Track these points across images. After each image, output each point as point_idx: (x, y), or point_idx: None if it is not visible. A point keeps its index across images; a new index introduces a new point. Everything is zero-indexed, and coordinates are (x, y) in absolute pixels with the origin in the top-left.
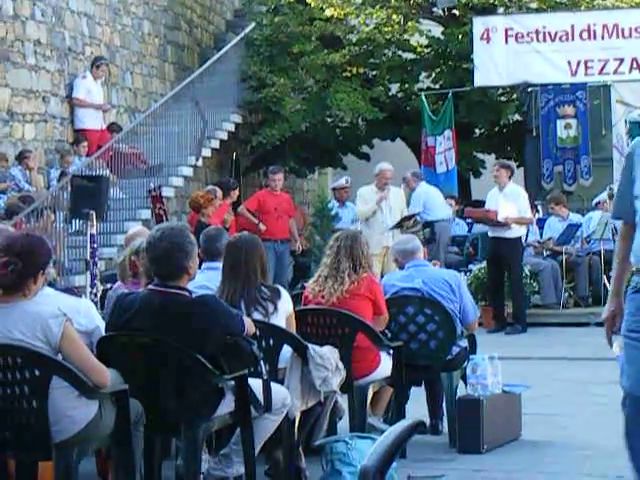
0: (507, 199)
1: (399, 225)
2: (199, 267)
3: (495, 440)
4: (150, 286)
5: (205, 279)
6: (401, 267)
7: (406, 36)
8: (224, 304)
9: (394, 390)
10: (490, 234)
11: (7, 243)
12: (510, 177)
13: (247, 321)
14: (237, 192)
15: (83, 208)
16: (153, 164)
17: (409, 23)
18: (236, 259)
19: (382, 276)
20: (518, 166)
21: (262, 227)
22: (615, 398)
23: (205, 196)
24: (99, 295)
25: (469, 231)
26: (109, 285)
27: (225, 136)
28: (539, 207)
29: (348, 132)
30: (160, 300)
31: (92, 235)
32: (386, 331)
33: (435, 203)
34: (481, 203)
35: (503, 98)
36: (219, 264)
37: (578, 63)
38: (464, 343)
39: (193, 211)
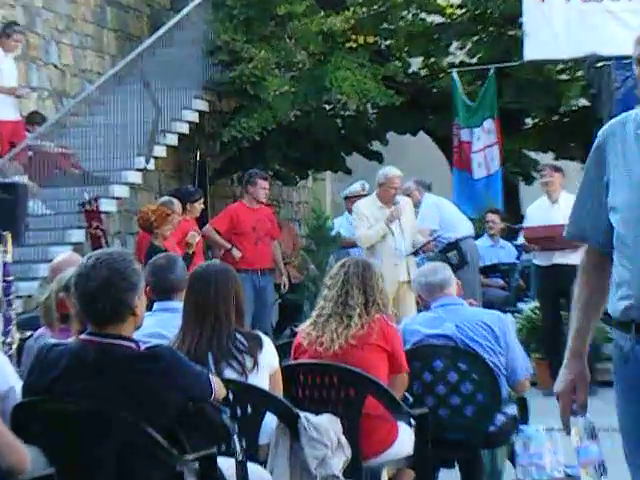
0: (565, 212)
1: (418, 251)
2: (149, 308)
3: None
4: (82, 335)
5: (157, 324)
6: (426, 307)
7: None
8: (184, 359)
9: (417, 474)
10: (540, 262)
11: None
12: (562, 185)
13: (216, 381)
14: (201, 204)
15: None
16: (88, 169)
17: None
18: (202, 297)
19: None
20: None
21: (236, 253)
22: None
23: (159, 211)
24: (15, 346)
25: (518, 257)
26: (29, 332)
27: (186, 129)
28: None
29: (353, 123)
30: (96, 354)
31: (5, 264)
32: (406, 394)
33: (452, 217)
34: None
35: (564, 76)
36: (176, 304)
37: None
38: (512, 410)
39: (143, 231)
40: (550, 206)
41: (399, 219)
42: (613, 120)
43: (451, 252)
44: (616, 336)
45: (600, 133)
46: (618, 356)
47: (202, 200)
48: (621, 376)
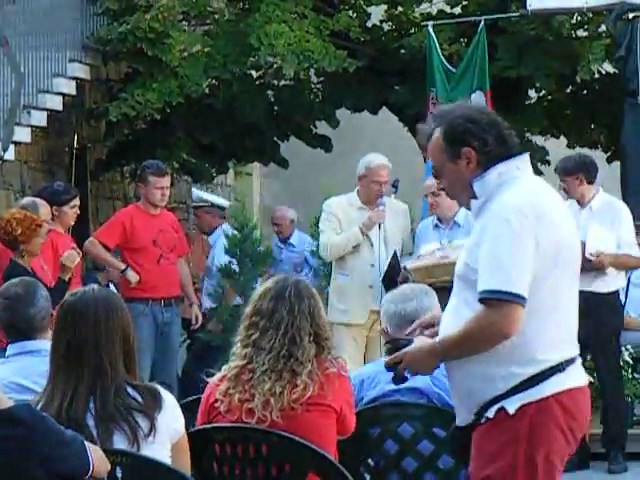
0: (596, 221)
1: (390, 280)
2: (3, 351)
3: None
4: None
5: (15, 373)
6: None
7: None
8: (50, 421)
9: None
10: None
11: None
12: (592, 182)
13: (94, 452)
14: (74, 209)
15: None
16: None
17: None
18: (77, 337)
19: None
20: (610, 158)
21: (132, 277)
22: None
23: (27, 220)
24: None
25: None
26: None
27: (58, 104)
28: None
29: (290, 97)
30: None
31: None
32: (362, 470)
33: None
34: None
35: (581, 32)
36: (43, 344)
37: None
38: None
39: (3, 246)
40: (579, 210)
41: (380, 225)
42: None
43: None
44: None
45: None
46: None
47: (76, 202)
48: None
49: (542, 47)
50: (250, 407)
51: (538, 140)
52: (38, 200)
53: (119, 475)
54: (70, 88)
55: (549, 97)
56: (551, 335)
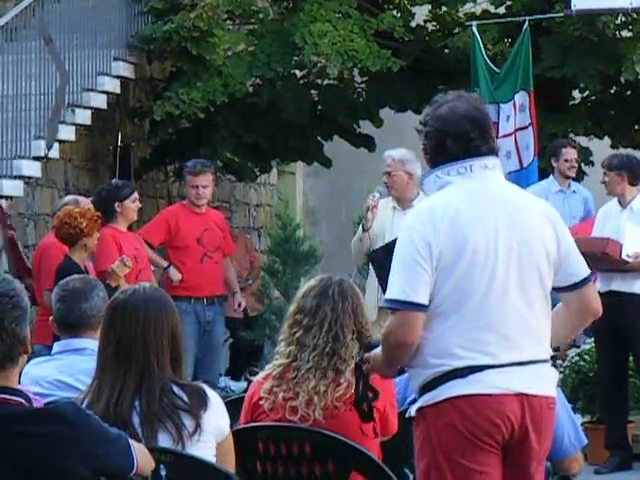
0: (636, 221)
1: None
2: (49, 349)
3: None
4: None
5: (60, 370)
6: None
7: None
8: (94, 419)
9: None
10: (601, 287)
11: None
12: (634, 183)
13: (139, 450)
14: (136, 202)
15: None
16: None
17: None
18: (126, 335)
19: None
20: None
21: (175, 275)
22: None
23: (89, 213)
24: None
25: None
26: None
27: (103, 103)
28: None
29: (334, 96)
30: None
31: None
32: (405, 469)
33: None
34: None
35: (625, 33)
36: (89, 342)
37: None
38: None
39: (59, 240)
40: (620, 211)
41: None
42: None
43: None
44: None
45: None
46: None
47: (136, 195)
48: None
49: (586, 47)
50: (294, 405)
51: (582, 141)
52: (80, 198)
53: (163, 473)
54: (114, 87)
55: (593, 97)
56: (448, 341)
